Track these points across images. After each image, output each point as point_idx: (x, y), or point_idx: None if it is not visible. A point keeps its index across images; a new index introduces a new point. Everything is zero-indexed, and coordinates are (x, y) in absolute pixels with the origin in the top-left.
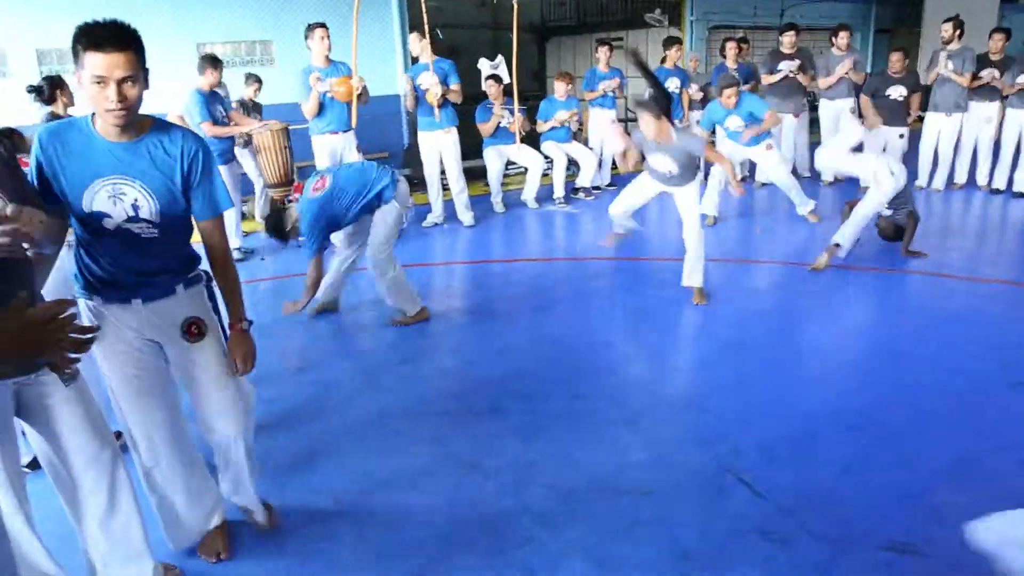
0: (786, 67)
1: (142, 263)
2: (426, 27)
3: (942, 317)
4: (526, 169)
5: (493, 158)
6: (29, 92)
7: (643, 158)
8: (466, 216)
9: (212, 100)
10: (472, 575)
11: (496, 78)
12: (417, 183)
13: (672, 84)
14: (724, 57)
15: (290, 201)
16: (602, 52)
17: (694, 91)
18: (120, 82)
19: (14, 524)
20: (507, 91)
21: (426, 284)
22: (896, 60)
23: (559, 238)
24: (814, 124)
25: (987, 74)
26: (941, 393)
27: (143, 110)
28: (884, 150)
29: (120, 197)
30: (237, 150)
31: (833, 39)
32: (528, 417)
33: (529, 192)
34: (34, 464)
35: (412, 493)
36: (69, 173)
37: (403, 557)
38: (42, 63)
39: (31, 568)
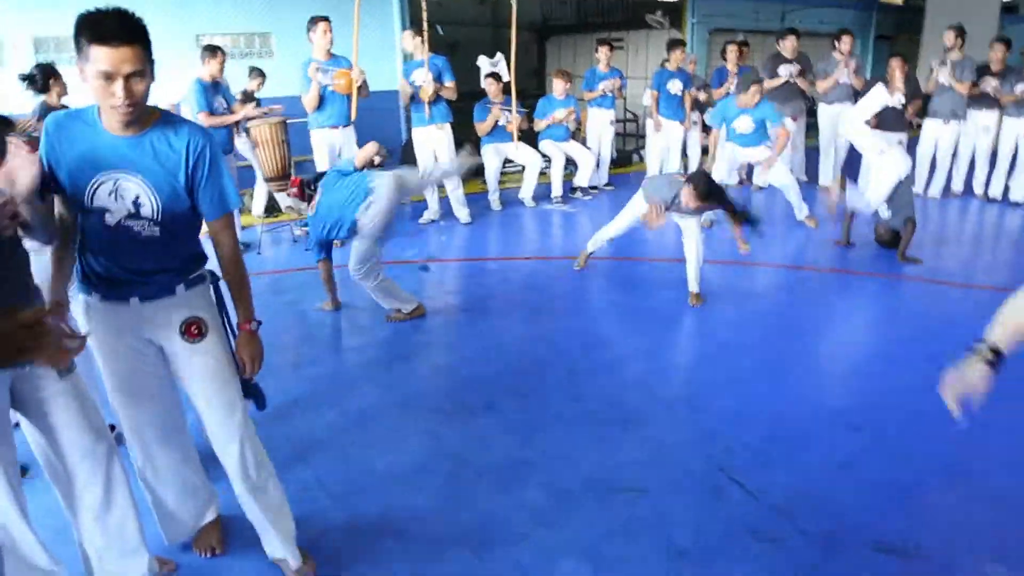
0: (786, 71)
1: (140, 262)
2: (424, 24)
3: (936, 322)
4: (524, 167)
5: (491, 156)
6: (22, 81)
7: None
8: (462, 213)
9: (213, 91)
10: (466, 572)
11: (495, 76)
12: None
13: (675, 87)
14: (725, 60)
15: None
16: (602, 52)
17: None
18: (127, 77)
19: (9, 517)
20: (506, 89)
21: (422, 280)
22: (895, 67)
23: (556, 237)
24: (812, 129)
25: (987, 83)
26: (933, 396)
27: None
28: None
29: (121, 192)
30: (238, 142)
31: (836, 44)
32: (523, 415)
33: (526, 190)
34: (23, 471)
35: (406, 489)
36: (72, 165)
37: (397, 554)
38: (39, 51)
39: (26, 562)
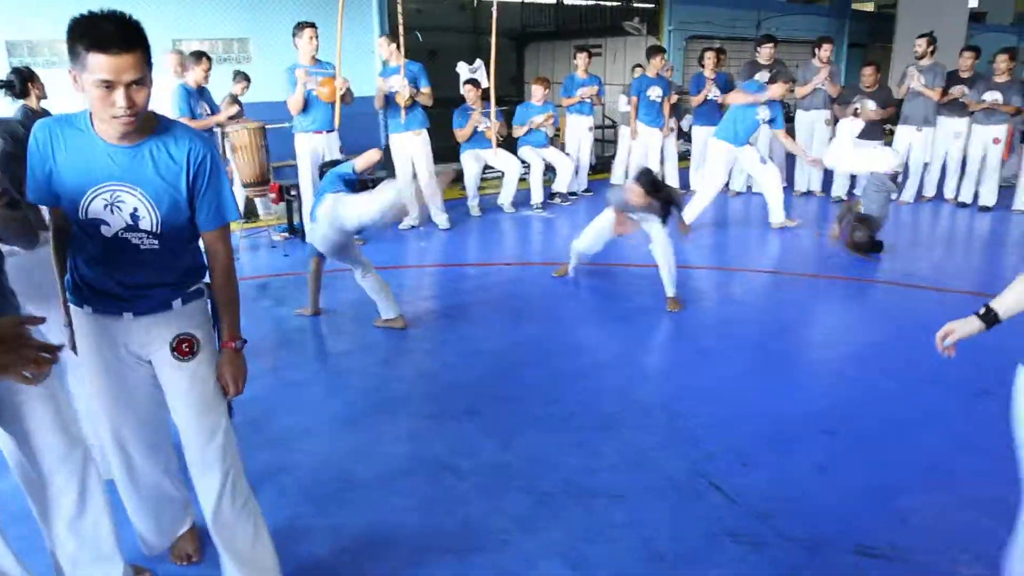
0: (764, 78)
1: (137, 275)
2: (401, 29)
3: (911, 325)
4: (503, 173)
5: (470, 162)
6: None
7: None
8: (440, 218)
9: (197, 96)
10: None
11: (474, 82)
12: None
13: (654, 93)
14: (703, 66)
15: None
16: (580, 59)
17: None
18: (128, 86)
19: None
20: (485, 96)
21: (402, 286)
22: (868, 74)
23: (535, 243)
24: (789, 133)
25: (957, 90)
26: (910, 399)
27: None
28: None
29: (118, 205)
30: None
31: (816, 50)
32: (504, 420)
33: (506, 196)
34: None
35: (388, 494)
36: (65, 175)
37: (378, 558)
38: (12, 55)
39: None
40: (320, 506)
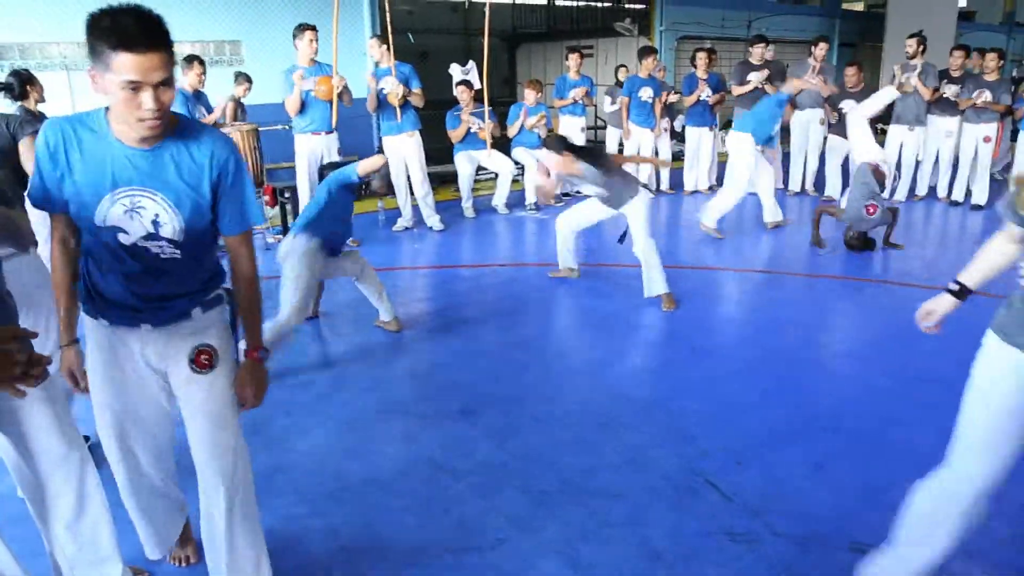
0: (756, 78)
1: (156, 287)
2: (389, 31)
3: (905, 323)
4: (496, 175)
5: (464, 163)
6: None
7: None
8: (433, 220)
9: (194, 100)
10: None
11: (467, 84)
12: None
13: (646, 93)
14: (695, 67)
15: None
16: (572, 60)
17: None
18: (156, 87)
19: None
20: (478, 97)
21: (397, 288)
22: (851, 75)
23: (529, 243)
24: (783, 132)
25: (948, 89)
26: (904, 397)
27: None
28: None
29: (138, 211)
30: None
31: (812, 49)
32: (500, 420)
33: (499, 197)
34: None
35: (384, 494)
36: (80, 180)
37: (375, 559)
38: (3, 58)
39: None
40: (316, 506)
